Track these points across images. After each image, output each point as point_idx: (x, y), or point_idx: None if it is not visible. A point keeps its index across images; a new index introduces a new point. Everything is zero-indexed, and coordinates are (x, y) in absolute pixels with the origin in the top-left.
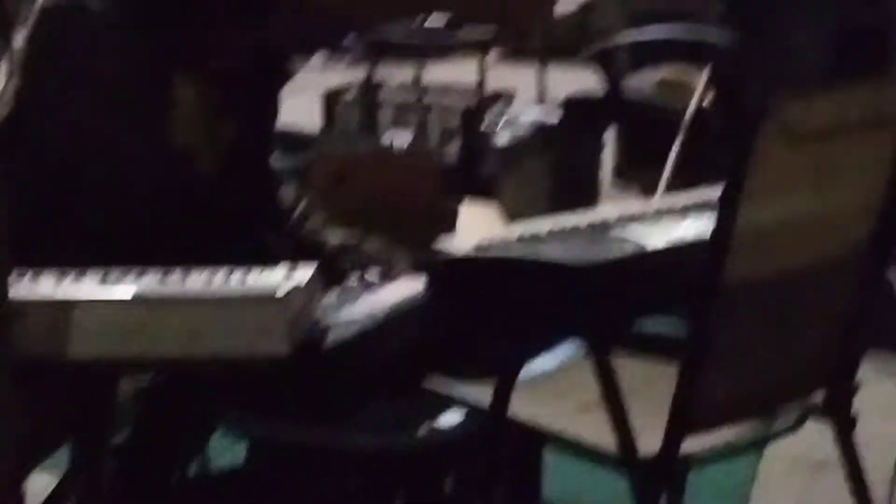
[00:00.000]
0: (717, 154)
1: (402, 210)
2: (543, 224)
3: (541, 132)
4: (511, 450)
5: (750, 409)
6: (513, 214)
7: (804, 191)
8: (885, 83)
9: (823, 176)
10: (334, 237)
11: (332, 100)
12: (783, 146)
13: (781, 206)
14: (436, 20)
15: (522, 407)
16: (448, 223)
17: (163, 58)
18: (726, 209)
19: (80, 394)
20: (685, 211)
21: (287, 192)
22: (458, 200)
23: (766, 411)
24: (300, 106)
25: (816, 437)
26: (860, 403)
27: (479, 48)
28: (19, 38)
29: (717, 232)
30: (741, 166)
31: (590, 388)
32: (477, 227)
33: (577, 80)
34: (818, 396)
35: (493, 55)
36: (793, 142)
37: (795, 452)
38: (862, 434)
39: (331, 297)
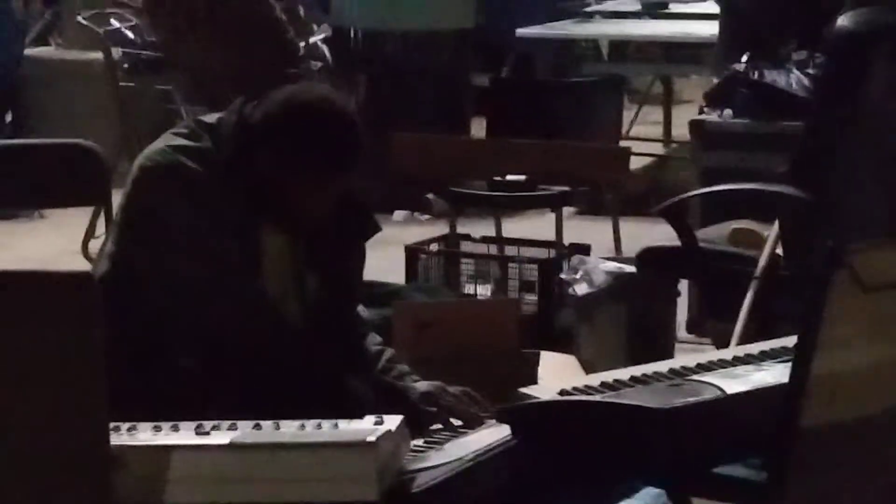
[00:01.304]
0: (790, 305)
1: (483, 359)
2: (624, 372)
3: (616, 283)
4: None
5: None
6: (590, 364)
7: (877, 338)
8: None
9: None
10: (419, 385)
11: (414, 253)
12: (855, 295)
13: (856, 353)
14: (514, 177)
15: None
16: (528, 373)
17: (253, 213)
18: (801, 357)
19: None
20: (762, 358)
21: (372, 342)
22: (538, 350)
23: None
24: (384, 259)
25: None
26: None
27: (556, 203)
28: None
29: (793, 378)
30: (815, 315)
31: None
32: (557, 376)
33: (650, 233)
34: None
35: (569, 210)
36: (864, 291)
37: None
38: None
39: (418, 444)
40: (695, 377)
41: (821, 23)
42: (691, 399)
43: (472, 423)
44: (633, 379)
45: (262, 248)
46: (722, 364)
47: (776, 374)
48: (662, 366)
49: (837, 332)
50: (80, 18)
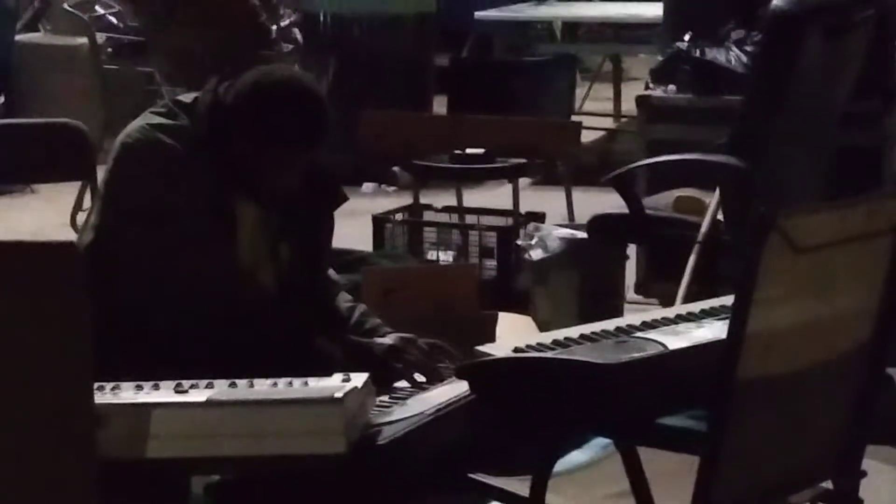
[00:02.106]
0: (730, 267)
1: (445, 320)
2: (574, 330)
3: (569, 249)
4: None
5: (765, 497)
6: (545, 324)
7: (809, 296)
8: (878, 198)
9: (825, 283)
10: (388, 339)
11: (381, 223)
12: (787, 257)
13: (788, 310)
14: (473, 150)
15: (558, 498)
16: (487, 332)
17: (227, 186)
18: (738, 314)
19: (157, 491)
20: (703, 316)
21: (343, 300)
22: (496, 311)
23: (780, 498)
24: (353, 228)
25: None
26: (865, 491)
27: (513, 175)
28: (102, 173)
29: (731, 334)
30: (750, 276)
31: (619, 479)
32: (513, 335)
33: (600, 202)
34: (828, 484)
35: (525, 181)
36: (795, 252)
37: None
38: None
39: (383, 399)
40: (640, 334)
41: (757, 4)
42: (636, 355)
43: (434, 377)
44: (583, 337)
45: (236, 218)
46: (665, 322)
47: (715, 330)
48: (610, 324)
49: (771, 292)
50: (66, 6)
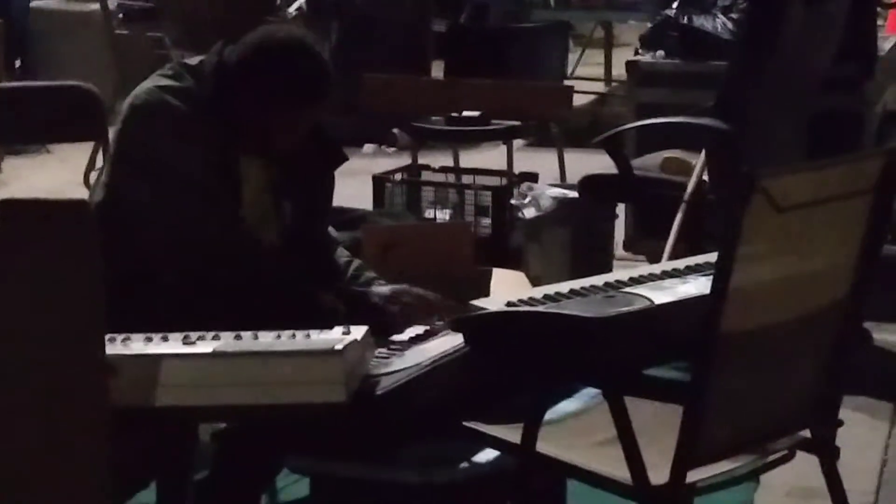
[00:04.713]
0: (715, 225)
1: (442, 276)
2: (564, 285)
3: (561, 208)
4: (539, 482)
5: (746, 444)
6: (537, 279)
7: (789, 253)
8: (856, 159)
9: (806, 240)
10: (383, 289)
11: (381, 182)
12: (769, 215)
13: (770, 266)
14: (469, 113)
15: (548, 445)
16: (482, 287)
17: (232, 145)
18: (722, 270)
19: (166, 438)
20: (688, 272)
21: (342, 255)
22: (491, 267)
23: (760, 446)
24: (354, 188)
25: (808, 468)
26: (842, 439)
27: (507, 136)
28: (112, 133)
29: (714, 290)
30: (733, 233)
31: (606, 427)
32: (507, 290)
33: (591, 162)
34: (806, 433)
35: (519, 142)
36: (778, 211)
37: (789, 481)
38: (844, 466)
39: (382, 351)
40: (627, 289)
41: None
42: (623, 309)
43: (431, 332)
44: (573, 291)
45: (241, 177)
46: (652, 277)
47: (699, 285)
48: (599, 280)
49: (753, 249)
50: None
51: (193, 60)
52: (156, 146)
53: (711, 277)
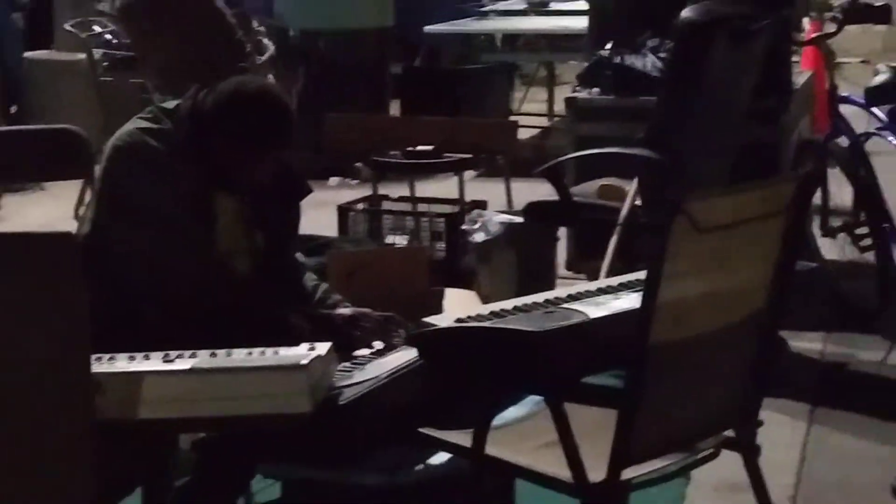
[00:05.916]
0: (647, 246)
1: (400, 295)
2: (509, 303)
3: (508, 232)
4: (489, 482)
5: (675, 444)
6: (488, 297)
7: (712, 270)
8: (771, 184)
9: (726, 258)
10: (346, 311)
11: (345, 211)
12: (691, 236)
13: (694, 282)
14: (424, 147)
15: (496, 448)
16: (436, 306)
17: (206, 182)
18: (650, 287)
19: (148, 448)
20: (620, 289)
21: (310, 279)
22: (444, 287)
23: (689, 445)
24: (322, 217)
25: (733, 464)
26: (764, 438)
27: (459, 168)
28: (97, 171)
29: (644, 304)
30: (660, 253)
31: (549, 431)
32: (459, 308)
33: (535, 190)
34: (731, 432)
35: (470, 173)
36: (699, 232)
37: (716, 477)
38: (766, 462)
39: (345, 365)
40: (565, 305)
41: (669, 15)
42: (562, 323)
43: (387, 342)
44: (516, 308)
45: (215, 211)
46: (588, 294)
47: (631, 301)
48: (540, 297)
49: (678, 266)
50: (67, 26)
51: (170, 104)
52: (136, 183)
53: (641, 293)
